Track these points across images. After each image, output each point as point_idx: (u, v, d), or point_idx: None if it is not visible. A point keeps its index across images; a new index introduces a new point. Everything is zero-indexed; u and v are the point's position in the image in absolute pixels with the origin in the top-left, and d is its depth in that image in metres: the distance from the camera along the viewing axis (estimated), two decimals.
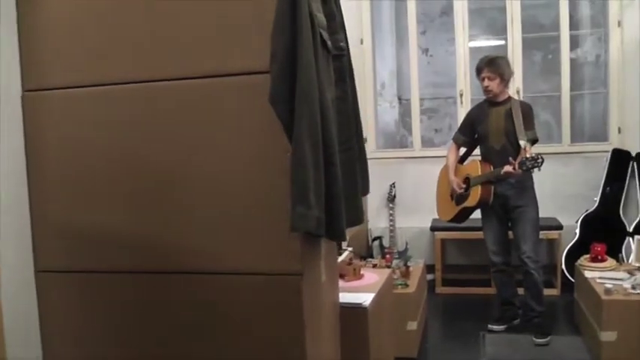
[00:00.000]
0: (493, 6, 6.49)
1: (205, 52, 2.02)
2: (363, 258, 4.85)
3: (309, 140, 1.89)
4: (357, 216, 2.32)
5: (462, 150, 4.91)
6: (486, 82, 4.53)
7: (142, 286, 2.15)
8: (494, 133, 4.57)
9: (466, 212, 4.74)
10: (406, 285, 4.29)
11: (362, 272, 3.09)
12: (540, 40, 6.87)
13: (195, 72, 2.03)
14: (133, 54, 2.08)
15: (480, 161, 4.62)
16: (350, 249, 4.87)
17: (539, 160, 4.27)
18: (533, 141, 4.52)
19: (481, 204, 4.58)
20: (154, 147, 2.09)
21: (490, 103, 4.64)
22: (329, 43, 2.10)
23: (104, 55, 2.11)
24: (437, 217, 5.60)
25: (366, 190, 2.51)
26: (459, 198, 4.71)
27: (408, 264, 4.53)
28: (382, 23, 7.46)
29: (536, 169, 4.32)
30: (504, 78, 4.56)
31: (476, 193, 4.56)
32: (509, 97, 4.65)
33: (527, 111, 4.57)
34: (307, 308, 2.02)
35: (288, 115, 1.89)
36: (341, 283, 2.95)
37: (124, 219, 2.13)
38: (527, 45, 6.59)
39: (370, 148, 6.29)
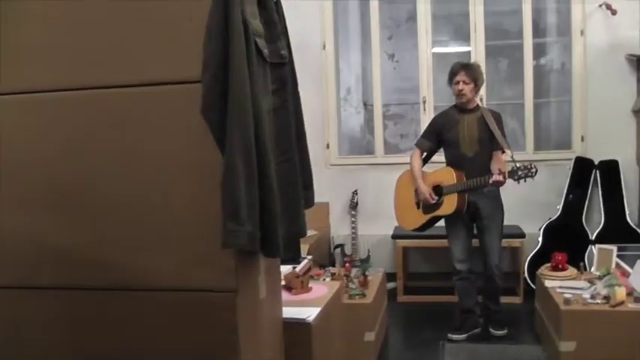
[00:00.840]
0: (459, 12, 6.46)
1: (134, 60, 1.93)
2: (323, 267, 4.78)
3: (241, 152, 1.81)
4: (299, 229, 2.24)
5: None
6: (461, 86, 4.50)
7: (72, 302, 2.05)
8: (466, 140, 4.54)
9: (434, 221, 4.69)
10: (363, 295, 4.21)
11: (310, 285, 3.01)
12: (506, 48, 6.87)
13: (123, 80, 1.94)
14: (56, 61, 1.98)
15: (454, 168, 4.54)
16: (309, 257, 4.80)
17: (534, 170, 4.29)
18: (502, 149, 4.53)
19: (455, 213, 4.52)
20: (83, 158, 1.99)
21: (459, 109, 4.61)
22: (265, 51, 2.01)
23: (24, 62, 2.01)
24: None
25: (309, 203, 2.43)
26: (428, 206, 4.64)
27: (367, 273, 4.46)
28: (349, 28, 7.42)
29: (528, 179, 4.32)
30: (477, 84, 4.56)
31: (451, 202, 4.50)
32: (478, 105, 4.65)
33: (499, 120, 4.60)
34: (243, 326, 1.94)
35: (220, 127, 1.81)
36: (288, 296, 2.87)
37: (52, 232, 2.03)
38: (493, 52, 6.59)
39: (332, 154, 6.24)
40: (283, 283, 2.95)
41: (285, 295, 2.72)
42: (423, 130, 4.97)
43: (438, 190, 4.59)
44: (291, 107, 2.25)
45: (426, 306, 5.49)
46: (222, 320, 1.91)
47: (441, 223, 4.74)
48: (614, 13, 5.68)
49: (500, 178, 4.30)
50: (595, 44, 5.87)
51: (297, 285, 2.93)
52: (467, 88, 4.50)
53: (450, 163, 4.64)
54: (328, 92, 6.23)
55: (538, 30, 6.96)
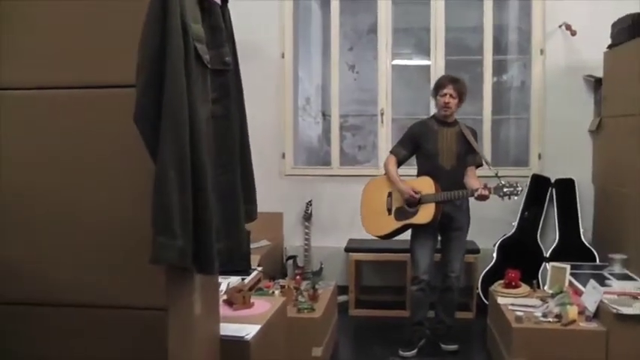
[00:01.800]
0: (421, 26, 6.45)
1: (69, 61, 1.82)
2: (273, 278, 4.68)
3: (174, 163, 1.71)
4: (239, 243, 2.14)
5: None
6: (448, 99, 4.51)
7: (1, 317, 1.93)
8: (445, 153, 4.56)
9: (405, 229, 4.64)
10: (312, 309, 4.13)
11: (253, 300, 2.91)
12: (467, 63, 6.86)
13: (56, 82, 1.83)
14: None
15: (434, 180, 4.53)
16: (259, 269, 4.71)
17: (519, 189, 4.40)
18: (479, 165, 4.65)
19: (431, 223, 4.49)
20: (13, 164, 1.87)
21: (438, 121, 4.63)
22: (206, 56, 1.92)
23: None
24: (352, 237, 5.53)
25: (252, 216, 2.34)
26: (401, 214, 4.59)
27: (317, 287, 4.37)
28: (311, 38, 7.36)
29: (514, 197, 4.40)
30: (462, 99, 4.61)
31: (428, 212, 4.48)
32: (457, 120, 4.68)
33: (476, 136, 4.69)
34: (175, 345, 1.84)
35: (152, 135, 1.71)
36: (229, 312, 2.78)
37: None
38: (454, 67, 6.56)
39: (288, 164, 6.15)
40: (225, 297, 2.86)
41: (226, 311, 2.63)
42: (399, 139, 4.89)
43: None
44: (234, 117, 2.15)
45: (378, 320, 5.41)
46: (153, 339, 1.83)
47: (401, 235, 4.71)
48: (573, 33, 5.71)
49: (486, 192, 4.35)
50: (554, 64, 5.89)
51: (239, 300, 2.84)
52: (453, 102, 4.54)
53: (424, 173, 4.62)
54: (285, 101, 6.14)
55: (500, 47, 6.98)
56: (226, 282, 4.17)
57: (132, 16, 1.77)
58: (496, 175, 4.48)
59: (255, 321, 2.61)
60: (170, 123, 1.70)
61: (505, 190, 4.35)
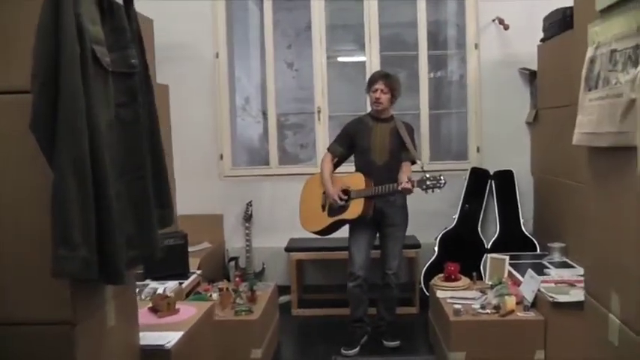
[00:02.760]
0: (357, 22, 6.43)
1: None
2: (212, 281, 4.61)
3: (72, 172, 1.64)
4: (152, 251, 2.07)
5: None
6: (379, 94, 4.53)
7: None
8: (378, 148, 4.57)
9: (338, 224, 4.64)
10: (250, 311, 4.08)
11: (178, 306, 2.85)
12: (405, 59, 6.86)
13: None
14: None
15: (364, 175, 4.54)
16: (198, 272, 4.65)
17: (442, 182, 4.39)
18: (413, 161, 4.64)
19: (360, 218, 4.50)
20: None
21: (373, 118, 4.65)
22: (107, 59, 1.85)
23: None
24: (294, 237, 5.49)
25: (166, 222, 2.27)
26: (334, 210, 4.60)
27: (254, 288, 4.32)
28: (249, 37, 7.29)
29: (436, 190, 4.40)
30: (395, 95, 4.62)
31: (357, 207, 4.49)
32: (393, 116, 4.69)
33: (411, 131, 4.69)
34: (85, 359, 1.77)
35: (50, 143, 1.64)
36: (153, 319, 2.71)
37: None
38: (392, 63, 6.58)
39: (226, 165, 6.08)
40: (150, 305, 2.80)
41: (151, 319, 2.56)
42: (336, 136, 4.90)
43: (346, 194, 4.56)
44: (144, 120, 2.08)
45: (321, 319, 5.38)
46: (60, 355, 1.75)
47: (342, 233, 4.70)
48: (506, 28, 5.76)
49: (409, 185, 4.36)
50: (489, 58, 5.94)
51: (164, 307, 2.77)
52: (384, 98, 4.55)
53: (359, 169, 4.66)
54: (222, 102, 6.06)
55: (437, 42, 7.02)
56: (162, 287, 4.12)
57: (28, 19, 1.70)
58: (422, 169, 4.48)
59: (179, 328, 2.55)
60: (66, 129, 1.63)
61: (428, 182, 4.37)
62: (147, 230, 2.04)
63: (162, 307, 2.77)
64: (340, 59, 7.16)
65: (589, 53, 2.03)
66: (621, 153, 1.77)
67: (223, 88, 6.09)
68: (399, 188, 4.40)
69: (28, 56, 1.66)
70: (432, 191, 4.41)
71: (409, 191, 4.43)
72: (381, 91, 4.54)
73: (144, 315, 2.75)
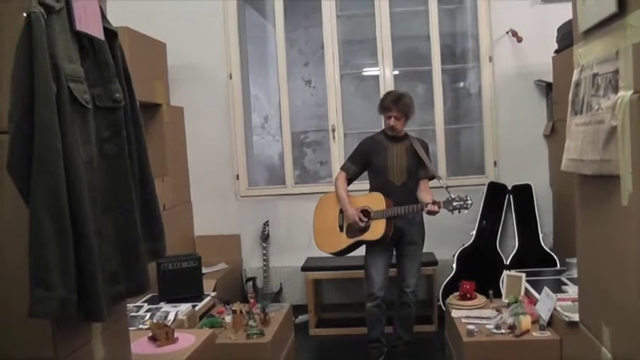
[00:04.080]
0: (373, 37, 6.41)
1: None
2: (227, 303, 4.61)
3: (48, 211, 1.65)
4: (141, 284, 2.07)
5: None
6: (393, 122, 4.50)
7: None
8: (395, 168, 4.54)
9: (357, 245, 4.62)
10: (262, 334, 4.06)
11: (177, 335, 2.84)
12: (423, 73, 6.83)
13: None
14: None
15: (384, 195, 4.50)
16: (213, 294, 4.65)
17: (469, 202, 4.37)
18: (431, 178, 4.62)
19: (382, 239, 4.46)
20: None
21: (388, 136, 4.61)
22: (86, 96, 1.85)
23: None
24: (311, 255, 5.47)
25: (159, 254, 2.26)
26: (353, 230, 4.56)
27: (267, 310, 4.31)
28: (268, 55, 7.32)
29: (464, 211, 4.38)
30: (408, 117, 4.59)
31: (379, 227, 4.45)
32: (407, 134, 4.67)
33: (426, 148, 4.66)
34: None
35: (27, 184, 1.65)
36: (151, 349, 2.71)
37: None
38: (411, 77, 6.58)
39: (242, 185, 6.11)
40: (150, 334, 2.80)
41: (148, 348, 2.56)
42: (349, 154, 4.88)
43: (365, 214, 4.52)
44: (132, 154, 2.09)
45: (338, 338, 5.36)
46: None
47: (357, 251, 4.69)
48: (519, 40, 5.72)
49: (436, 208, 4.33)
50: (503, 70, 5.90)
51: (162, 336, 2.76)
52: (398, 124, 4.53)
53: (376, 189, 4.60)
54: (236, 122, 6.10)
55: (455, 54, 6.97)
56: (175, 310, 4.13)
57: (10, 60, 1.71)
58: (446, 189, 4.44)
59: (176, 358, 2.54)
60: (41, 169, 1.65)
61: (455, 204, 4.34)
62: (134, 264, 2.04)
63: (160, 336, 2.77)
64: (356, 74, 7.15)
65: (574, 76, 1.99)
66: (606, 181, 1.73)
67: (238, 108, 6.12)
68: (425, 211, 4.37)
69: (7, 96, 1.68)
70: (459, 212, 4.38)
71: (435, 213, 4.39)
72: (395, 117, 4.50)
73: (142, 344, 2.76)
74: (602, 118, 1.71)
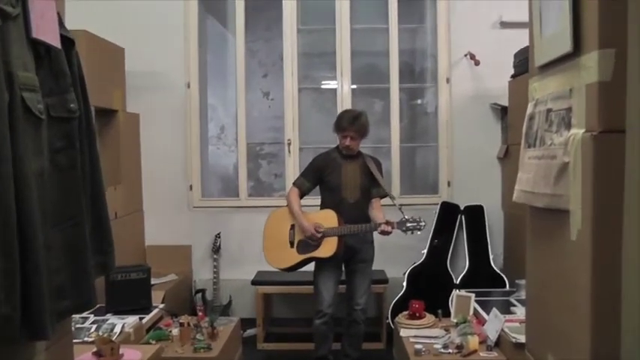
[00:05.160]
0: (332, 51, 6.45)
1: None
2: (175, 315, 4.55)
3: None
4: (88, 299, 2.02)
5: None
6: (349, 142, 4.52)
7: None
8: (349, 186, 4.55)
9: (307, 262, 4.61)
10: (209, 348, 4.02)
11: (122, 351, 2.80)
12: (381, 90, 6.88)
13: None
14: None
15: (337, 213, 4.50)
16: (161, 306, 4.60)
17: (423, 224, 4.43)
18: (383, 196, 4.61)
19: (334, 256, 4.47)
20: None
21: (342, 154, 4.61)
22: (39, 106, 1.81)
23: None
24: (261, 269, 5.44)
25: (108, 268, 2.22)
26: (304, 247, 4.55)
27: (215, 325, 4.27)
28: (227, 66, 7.29)
29: (417, 232, 4.44)
30: (364, 136, 4.61)
31: (331, 245, 4.46)
32: (360, 152, 4.68)
33: (379, 167, 4.67)
34: None
35: None
36: None
37: None
38: (367, 92, 6.61)
39: (196, 196, 6.06)
40: (94, 349, 2.75)
41: None
42: (303, 170, 4.89)
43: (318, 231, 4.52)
44: (84, 165, 2.04)
45: (286, 353, 5.34)
46: None
47: (309, 267, 4.68)
48: (477, 63, 5.81)
49: (389, 228, 4.37)
50: (460, 92, 5.98)
51: (107, 352, 2.72)
52: (354, 144, 4.55)
53: (328, 206, 4.60)
54: (192, 132, 6.06)
55: (414, 73, 7.03)
56: (122, 322, 4.06)
57: None
58: (400, 209, 4.47)
59: None
60: None
61: (409, 225, 4.38)
62: (82, 279, 2.00)
63: (105, 351, 2.73)
64: (315, 88, 7.16)
65: (529, 109, 2.03)
66: (556, 215, 1.76)
67: (194, 117, 6.08)
68: (378, 231, 4.39)
69: None
70: (412, 233, 4.44)
71: (388, 234, 4.42)
72: (351, 138, 4.52)
73: None
74: (554, 154, 1.74)
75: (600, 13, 1.54)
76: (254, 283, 5.54)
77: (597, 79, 1.55)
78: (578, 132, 1.64)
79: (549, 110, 1.84)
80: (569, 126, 1.70)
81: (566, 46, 1.69)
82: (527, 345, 2.06)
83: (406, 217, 4.41)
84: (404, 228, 4.39)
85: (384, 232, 4.39)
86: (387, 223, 4.37)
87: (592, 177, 1.56)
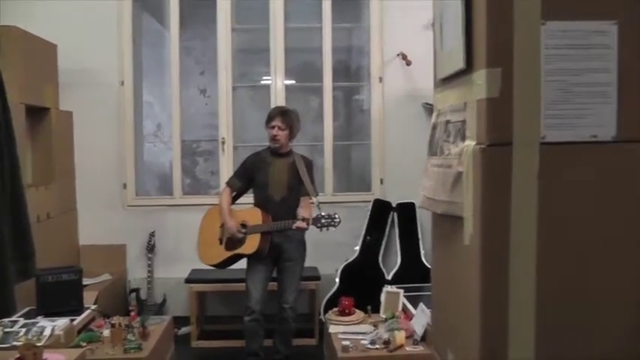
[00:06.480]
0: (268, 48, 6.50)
1: None
2: (107, 316, 4.55)
3: None
4: (6, 308, 2.05)
5: None
6: (276, 131, 4.59)
7: None
8: (275, 184, 4.63)
9: (235, 258, 4.68)
10: (139, 348, 4.03)
11: (46, 356, 2.80)
12: (319, 88, 6.96)
13: None
14: None
15: (261, 210, 4.60)
16: (93, 307, 4.58)
17: (337, 220, 4.48)
18: (310, 196, 4.67)
19: (257, 253, 4.55)
20: None
21: (272, 152, 4.70)
22: None
23: None
24: (196, 267, 5.47)
25: (29, 273, 2.25)
26: (231, 243, 4.63)
27: (146, 324, 4.28)
28: (164, 63, 7.27)
29: (331, 228, 4.49)
30: (293, 131, 4.68)
31: (254, 242, 4.55)
32: (292, 151, 4.76)
33: (309, 166, 4.75)
34: None
35: None
36: None
37: None
38: (303, 90, 6.68)
39: (130, 195, 6.05)
40: (17, 355, 2.75)
41: None
42: (236, 169, 5.00)
43: (243, 228, 4.62)
44: (4, 172, 2.07)
45: (220, 351, 5.38)
46: None
47: (243, 264, 4.73)
48: (408, 63, 5.93)
49: (304, 224, 4.46)
50: (393, 91, 6.10)
51: (29, 358, 2.72)
52: (281, 134, 4.61)
53: (257, 204, 4.70)
54: (126, 130, 6.04)
55: (350, 71, 7.12)
56: (52, 325, 4.03)
57: None
58: (317, 207, 4.56)
59: None
60: None
61: (323, 221, 4.47)
62: (1, 287, 2.02)
63: (28, 357, 2.73)
64: (251, 86, 7.20)
65: (433, 119, 2.13)
66: (454, 221, 1.86)
67: (128, 115, 6.06)
68: (294, 227, 4.49)
69: None
70: (327, 229, 4.51)
71: (303, 230, 4.54)
72: (279, 127, 4.61)
73: None
74: (451, 163, 1.85)
75: (488, 34, 1.64)
76: (188, 281, 5.57)
77: (486, 96, 1.64)
78: (470, 144, 1.74)
79: (448, 122, 1.94)
80: (463, 137, 1.80)
81: (460, 63, 1.79)
82: (432, 341, 2.17)
83: (322, 213, 4.50)
84: (318, 224, 4.49)
85: (299, 229, 4.51)
86: (303, 219, 4.47)
87: (482, 186, 1.66)
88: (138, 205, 6.08)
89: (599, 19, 1.60)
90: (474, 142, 1.73)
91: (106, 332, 4.22)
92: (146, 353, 4.01)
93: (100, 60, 5.94)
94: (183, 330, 5.45)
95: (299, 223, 4.45)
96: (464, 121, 1.81)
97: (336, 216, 4.50)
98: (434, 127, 2.10)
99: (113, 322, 4.31)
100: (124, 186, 6.04)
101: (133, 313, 4.60)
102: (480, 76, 1.68)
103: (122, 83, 6.01)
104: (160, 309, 5.65)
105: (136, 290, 5.70)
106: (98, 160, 5.96)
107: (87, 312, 4.46)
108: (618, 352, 1.66)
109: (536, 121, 1.61)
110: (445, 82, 2.05)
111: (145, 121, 6.80)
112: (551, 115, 1.61)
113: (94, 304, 4.76)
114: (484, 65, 1.66)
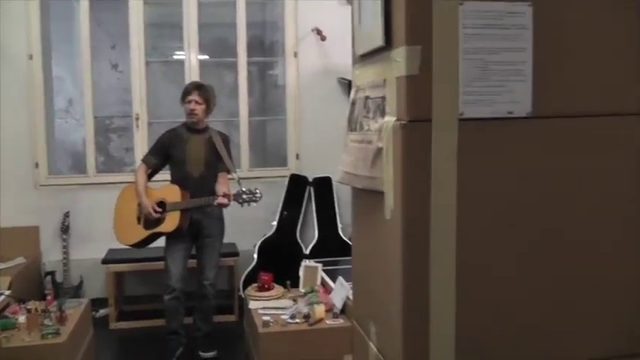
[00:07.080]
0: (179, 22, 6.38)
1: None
2: (22, 302, 4.42)
3: None
4: None
5: None
6: (193, 106, 4.55)
7: None
8: (193, 160, 4.59)
9: (155, 237, 4.64)
10: (57, 334, 3.91)
11: None
12: (233, 63, 6.90)
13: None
14: None
15: (180, 187, 4.54)
16: (7, 292, 4.44)
17: (258, 196, 4.50)
18: (229, 171, 4.68)
19: (177, 231, 4.51)
20: None
21: (188, 129, 4.66)
22: None
23: None
24: (112, 247, 5.38)
25: None
26: (150, 222, 4.57)
27: (63, 308, 4.17)
28: (74, 36, 7.05)
29: (252, 204, 4.49)
30: (209, 106, 4.65)
31: (174, 219, 4.50)
32: (208, 127, 4.71)
33: (227, 142, 4.74)
34: None
35: None
36: None
37: None
38: (218, 65, 6.61)
39: (42, 174, 5.87)
40: None
41: None
42: (151, 146, 4.93)
43: (161, 206, 4.55)
44: None
45: (140, 331, 5.35)
46: None
47: (161, 242, 4.69)
48: (323, 39, 5.96)
49: (225, 200, 4.46)
50: (308, 66, 6.12)
51: None
52: (199, 109, 4.58)
53: (175, 181, 4.65)
54: (35, 107, 5.83)
55: (264, 46, 7.09)
56: None
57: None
58: (238, 182, 4.56)
59: None
60: None
61: (244, 197, 4.49)
62: None
63: None
64: (164, 61, 7.08)
65: (351, 95, 2.14)
66: (373, 195, 1.89)
67: (38, 91, 5.86)
68: (215, 203, 4.48)
69: None
70: (249, 205, 4.51)
71: (225, 206, 4.53)
72: (196, 102, 4.57)
73: None
74: (370, 139, 1.87)
75: (407, 12, 1.66)
76: (105, 261, 5.48)
77: (405, 73, 1.66)
78: (390, 120, 1.76)
79: (367, 97, 1.96)
80: (383, 113, 1.82)
81: (378, 41, 1.81)
82: (355, 315, 2.21)
83: (243, 189, 4.52)
84: (240, 200, 4.50)
85: (220, 205, 4.51)
86: (224, 195, 4.47)
87: (402, 162, 1.69)
88: (50, 184, 5.90)
89: (515, 0, 1.65)
90: (393, 119, 1.76)
91: (22, 318, 4.08)
92: (64, 338, 3.91)
93: (6, 32, 5.70)
94: (102, 312, 5.37)
95: (220, 199, 4.44)
96: (383, 98, 1.83)
97: (257, 191, 4.52)
98: (353, 103, 2.12)
99: (29, 307, 4.17)
100: (36, 165, 5.85)
101: (49, 297, 4.49)
102: (399, 53, 1.70)
103: (30, 57, 5.80)
104: (77, 292, 5.53)
105: (52, 273, 5.56)
106: (7, 138, 5.74)
107: (1, 298, 4.33)
108: (541, 325, 1.72)
109: (454, 97, 1.65)
110: (364, 58, 2.06)
111: (55, 97, 6.59)
112: (469, 92, 1.65)
113: (8, 289, 4.63)
114: (403, 43, 1.67)
